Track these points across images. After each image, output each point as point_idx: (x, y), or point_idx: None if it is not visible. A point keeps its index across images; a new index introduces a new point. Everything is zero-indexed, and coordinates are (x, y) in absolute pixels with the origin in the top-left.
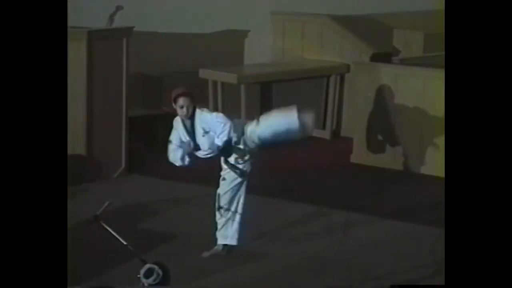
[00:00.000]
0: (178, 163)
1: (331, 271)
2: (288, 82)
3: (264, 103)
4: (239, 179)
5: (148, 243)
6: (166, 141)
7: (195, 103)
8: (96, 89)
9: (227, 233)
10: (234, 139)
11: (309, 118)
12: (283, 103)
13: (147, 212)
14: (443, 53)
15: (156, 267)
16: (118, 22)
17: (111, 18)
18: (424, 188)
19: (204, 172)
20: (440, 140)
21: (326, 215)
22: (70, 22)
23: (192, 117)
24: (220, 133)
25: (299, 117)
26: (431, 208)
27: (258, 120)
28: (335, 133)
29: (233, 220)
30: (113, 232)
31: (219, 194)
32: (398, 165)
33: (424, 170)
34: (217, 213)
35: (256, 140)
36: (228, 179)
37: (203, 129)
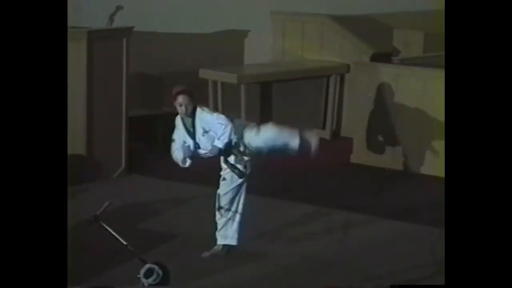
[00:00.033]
0: (180, 163)
1: (331, 271)
2: (288, 82)
3: (264, 103)
4: (240, 180)
5: (148, 243)
6: (166, 141)
7: (195, 102)
8: (96, 89)
9: (227, 233)
10: (234, 140)
11: (313, 138)
12: (283, 103)
13: (147, 212)
14: (443, 53)
15: (156, 267)
16: (118, 22)
17: (111, 18)
18: (424, 188)
19: (204, 172)
20: (440, 140)
21: (326, 215)
22: (70, 22)
23: (192, 116)
24: (221, 135)
25: (301, 137)
26: (431, 208)
27: (258, 128)
28: (335, 133)
29: (233, 220)
30: (113, 232)
31: (219, 194)
32: (398, 165)
33: (424, 170)
34: (217, 213)
35: (253, 149)
36: (228, 179)
37: (203, 128)
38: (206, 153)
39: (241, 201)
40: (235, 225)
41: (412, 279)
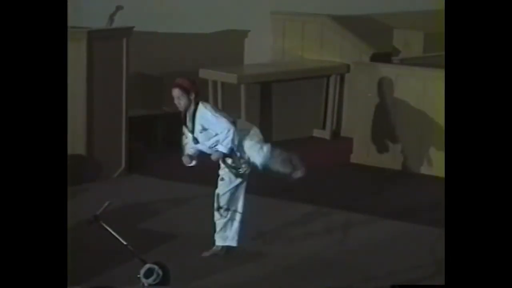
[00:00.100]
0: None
1: (331, 271)
2: (288, 82)
3: (264, 103)
4: (238, 180)
5: (148, 243)
6: (166, 141)
7: (197, 97)
8: (96, 89)
9: (226, 234)
10: (236, 143)
11: (300, 169)
12: (283, 103)
13: (147, 212)
14: (443, 53)
15: (156, 267)
16: (118, 22)
17: (111, 18)
18: (424, 188)
19: (204, 172)
20: (440, 140)
21: (326, 215)
22: (70, 22)
23: (194, 111)
24: (224, 140)
25: (293, 166)
26: (431, 208)
27: (261, 146)
28: (335, 133)
29: (233, 220)
30: (113, 232)
31: (218, 194)
32: (398, 165)
33: (424, 170)
34: (216, 213)
35: (251, 162)
36: (227, 179)
37: (202, 125)
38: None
39: (241, 201)
40: (234, 226)
41: (412, 279)
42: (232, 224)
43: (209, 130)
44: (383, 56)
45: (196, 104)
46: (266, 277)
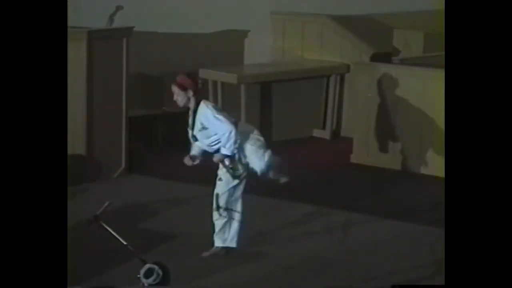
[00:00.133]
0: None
1: (331, 271)
2: (288, 82)
3: (264, 103)
4: (236, 181)
5: (148, 243)
6: (166, 141)
7: (196, 95)
8: (96, 89)
9: (225, 236)
10: (237, 143)
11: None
12: (283, 103)
13: (147, 212)
14: (443, 53)
15: (156, 267)
16: (118, 22)
17: (111, 18)
18: (424, 188)
19: (204, 172)
20: (440, 140)
21: (326, 215)
22: (70, 22)
23: (195, 108)
24: (227, 142)
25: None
26: (431, 208)
27: (263, 152)
28: (335, 133)
29: (232, 221)
30: (113, 232)
31: (217, 194)
32: (398, 165)
33: (424, 170)
34: (215, 213)
35: (250, 167)
36: (225, 180)
37: (202, 124)
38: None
39: (240, 201)
40: (233, 227)
41: (412, 279)
42: (231, 225)
43: (209, 130)
44: (383, 56)
45: (198, 102)
46: (266, 277)
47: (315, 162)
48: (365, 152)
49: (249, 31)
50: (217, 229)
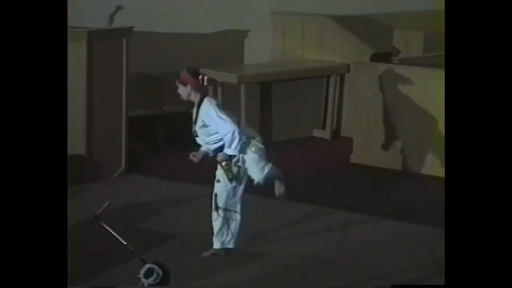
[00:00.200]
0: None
1: (331, 271)
2: (288, 82)
3: (264, 103)
4: (233, 183)
5: (148, 243)
6: (166, 141)
7: (196, 91)
8: (96, 89)
9: (224, 238)
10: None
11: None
12: (283, 103)
13: (147, 212)
14: (443, 53)
15: (156, 267)
16: (118, 22)
17: (111, 18)
18: (424, 188)
19: (204, 172)
20: (440, 140)
21: (326, 215)
22: (70, 22)
23: (199, 105)
24: (231, 143)
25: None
26: (431, 208)
27: (264, 163)
28: (335, 133)
29: (232, 221)
30: (113, 232)
31: (216, 194)
32: (398, 165)
33: (424, 170)
34: (214, 213)
35: (244, 172)
36: (223, 181)
37: (203, 121)
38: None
39: (239, 203)
40: (232, 228)
41: (412, 279)
42: (229, 227)
43: (210, 128)
44: (383, 56)
45: (202, 98)
46: (266, 277)
47: (315, 162)
48: (365, 152)
49: (249, 31)
50: (215, 230)
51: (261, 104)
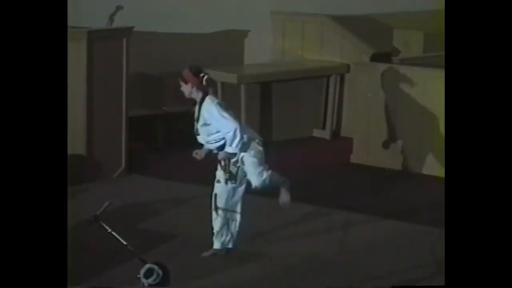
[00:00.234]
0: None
1: (331, 271)
2: (288, 82)
3: (264, 103)
4: (233, 184)
5: (148, 243)
6: (166, 141)
7: (197, 88)
8: (96, 89)
9: (223, 239)
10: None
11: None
12: (283, 103)
13: (147, 212)
14: (443, 53)
15: (156, 267)
16: (118, 22)
17: (111, 18)
18: (424, 188)
19: (204, 172)
20: (440, 140)
21: (326, 215)
22: (70, 22)
23: (201, 103)
24: (233, 141)
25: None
26: (431, 208)
27: (263, 170)
28: (335, 133)
29: (232, 222)
30: (113, 232)
31: (215, 195)
32: (398, 165)
33: (424, 170)
34: (213, 213)
35: (242, 175)
36: (223, 181)
37: (204, 120)
38: (207, 142)
39: (239, 204)
40: (232, 228)
41: (412, 279)
42: (229, 227)
43: (210, 126)
44: (383, 56)
45: (204, 97)
46: (266, 277)
47: (315, 162)
48: (365, 152)
49: (249, 31)
50: (215, 230)
51: (261, 104)
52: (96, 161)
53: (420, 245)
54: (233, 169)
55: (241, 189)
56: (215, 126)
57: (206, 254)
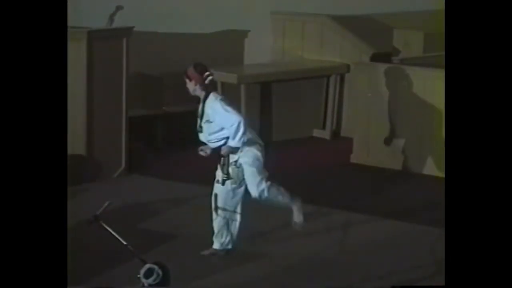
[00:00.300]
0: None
1: (331, 271)
2: (288, 82)
3: (264, 103)
4: (233, 185)
5: (148, 243)
6: (166, 141)
7: (201, 86)
8: (96, 89)
9: (223, 239)
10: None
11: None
12: (283, 103)
13: (147, 212)
14: (443, 53)
15: (156, 267)
16: (118, 22)
17: (111, 18)
18: (424, 188)
19: (204, 172)
20: (440, 140)
21: (326, 215)
22: (70, 22)
23: (204, 100)
24: (235, 134)
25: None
26: (431, 208)
27: (261, 180)
28: (335, 133)
29: (232, 222)
30: (113, 232)
31: (215, 195)
32: (398, 165)
33: (424, 170)
34: (213, 213)
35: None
36: (222, 181)
37: (208, 116)
38: (208, 141)
39: (239, 204)
40: (232, 229)
41: (412, 279)
42: (228, 228)
43: (213, 124)
44: (383, 56)
45: (208, 94)
46: (266, 277)
47: (315, 162)
48: (365, 152)
49: (249, 31)
50: (215, 230)
51: (261, 104)
52: (96, 161)
53: (420, 245)
54: (233, 169)
55: (241, 190)
56: (219, 122)
57: (205, 252)
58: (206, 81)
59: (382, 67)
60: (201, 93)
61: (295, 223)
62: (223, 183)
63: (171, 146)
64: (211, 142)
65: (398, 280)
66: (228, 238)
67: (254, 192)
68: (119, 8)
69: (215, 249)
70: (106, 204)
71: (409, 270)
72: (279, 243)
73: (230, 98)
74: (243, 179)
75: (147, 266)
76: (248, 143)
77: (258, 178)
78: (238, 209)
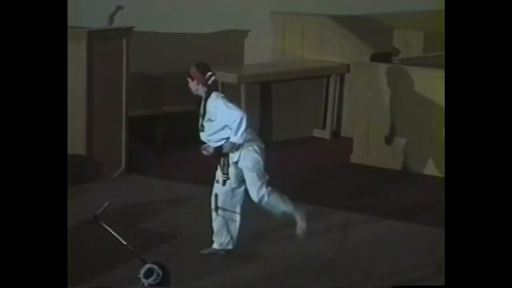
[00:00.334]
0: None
1: (331, 271)
2: (288, 82)
3: (264, 103)
4: (233, 185)
5: (148, 243)
6: (166, 141)
7: (203, 85)
8: (96, 89)
9: (223, 239)
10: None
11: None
12: (283, 103)
13: (147, 212)
14: (443, 53)
15: (156, 267)
16: (118, 22)
17: (111, 18)
18: (424, 188)
19: (204, 172)
20: (440, 140)
21: (326, 215)
22: (70, 22)
23: (206, 99)
24: (238, 130)
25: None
26: (431, 208)
27: (261, 184)
28: (335, 133)
29: (232, 222)
30: (113, 232)
31: (216, 195)
32: (398, 165)
33: (424, 170)
34: (213, 213)
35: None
36: (222, 182)
37: (210, 115)
38: (208, 140)
39: (239, 204)
40: (232, 229)
41: (412, 279)
42: (228, 228)
43: (215, 122)
44: (383, 56)
45: (209, 93)
46: (266, 277)
47: (315, 162)
48: (365, 152)
49: (249, 31)
50: (215, 229)
51: (261, 104)
52: (96, 161)
53: (420, 245)
54: (233, 170)
55: (241, 190)
56: (221, 119)
57: (204, 252)
58: (209, 82)
59: (382, 67)
60: (203, 92)
61: (299, 232)
62: (223, 183)
63: (171, 146)
64: (211, 142)
65: (398, 280)
66: (227, 238)
67: (254, 197)
68: (119, 8)
69: (215, 249)
70: (106, 204)
71: (409, 270)
72: (279, 243)
73: (230, 98)
74: (243, 179)
75: (147, 266)
76: (247, 144)
77: (259, 184)
78: (238, 210)
